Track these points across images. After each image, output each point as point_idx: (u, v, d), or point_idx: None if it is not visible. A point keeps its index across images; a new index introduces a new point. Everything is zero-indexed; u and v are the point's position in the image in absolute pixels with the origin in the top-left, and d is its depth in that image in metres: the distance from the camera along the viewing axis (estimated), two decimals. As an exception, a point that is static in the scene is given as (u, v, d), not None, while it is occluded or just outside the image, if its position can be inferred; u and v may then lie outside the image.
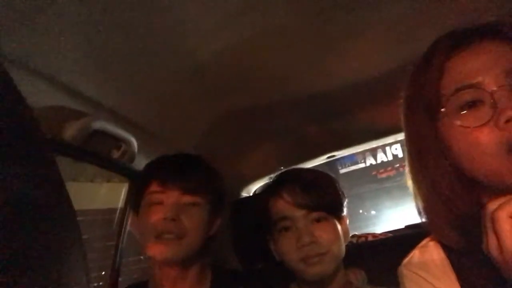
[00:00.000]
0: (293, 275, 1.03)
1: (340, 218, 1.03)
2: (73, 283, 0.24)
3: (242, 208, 1.50)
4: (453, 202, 0.62)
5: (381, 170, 4.67)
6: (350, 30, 0.86)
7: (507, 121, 0.54)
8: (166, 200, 0.97)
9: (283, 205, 1.00)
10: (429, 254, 0.68)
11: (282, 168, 1.17)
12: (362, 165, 4.57)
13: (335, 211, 1.02)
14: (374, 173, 4.72)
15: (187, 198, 0.98)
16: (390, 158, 4.47)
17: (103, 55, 0.79)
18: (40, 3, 0.64)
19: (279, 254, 1.02)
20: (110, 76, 0.87)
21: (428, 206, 0.67)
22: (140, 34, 0.75)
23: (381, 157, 4.55)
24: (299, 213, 0.98)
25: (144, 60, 0.84)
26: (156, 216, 0.95)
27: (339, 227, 1.01)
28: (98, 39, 0.74)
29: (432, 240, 0.69)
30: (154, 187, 0.99)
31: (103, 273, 1.84)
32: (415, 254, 0.70)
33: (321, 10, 0.79)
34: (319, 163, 1.57)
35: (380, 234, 1.44)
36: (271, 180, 1.12)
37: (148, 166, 1.06)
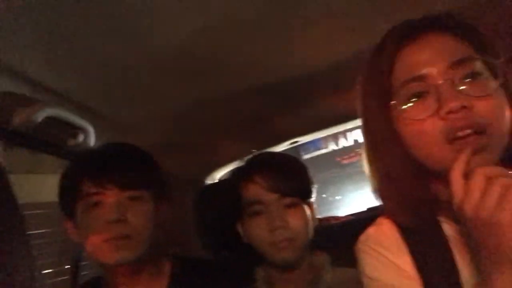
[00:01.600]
0: (260, 259, 1.04)
1: (309, 204, 1.05)
2: (16, 273, 0.23)
3: (209, 194, 1.49)
4: (405, 187, 0.66)
5: (345, 157, 4.79)
6: (310, 19, 0.86)
7: (449, 112, 0.58)
8: (105, 200, 0.87)
9: (256, 189, 1.00)
10: (384, 231, 0.72)
11: (251, 153, 1.16)
12: (324, 151, 4.66)
13: (305, 196, 1.04)
14: (338, 159, 4.84)
15: (129, 194, 0.88)
16: (352, 143, 4.59)
17: (54, 37, 0.74)
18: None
19: (249, 238, 1.03)
20: (63, 60, 0.82)
21: (382, 190, 0.71)
22: (100, 16, 0.71)
23: (343, 142, 4.66)
24: (271, 198, 0.99)
25: (103, 45, 0.80)
26: (98, 221, 0.85)
27: (308, 212, 1.03)
28: (49, 20, 0.69)
29: (386, 218, 0.73)
30: (87, 187, 0.87)
31: (66, 267, 1.77)
32: (371, 231, 0.74)
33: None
34: (283, 149, 1.59)
35: (342, 217, 1.48)
36: (242, 164, 1.12)
37: (75, 163, 0.93)
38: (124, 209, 0.87)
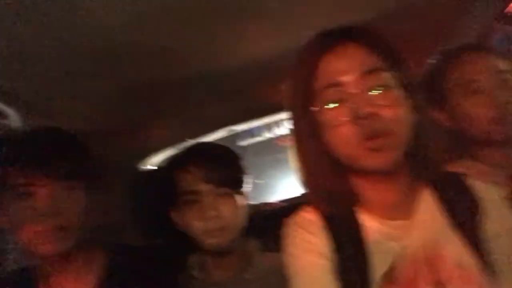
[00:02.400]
0: (193, 246, 1.06)
1: (242, 193, 1.09)
2: None
3: (143, 181, 1.47)
4: (324, 181, 0.75)
5: (283, 139, 4.90)
6: (246, 12, 0.88)
7: (360, 118, 0.66)
8: (36, 191, 0.83)
9: (190, 179, 1.02)
10: (307, 217, 0.79)
11: (186, 141, 1.17)
12: (260, 138, 4.76)
13: (239, 187, 1.08)
14: (276, 141, 4.95)
15: (62, 184, 0.85)
16: (287, 131, 4.72)
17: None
18: None
19: (183, 225, 1.05)
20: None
21: (305, 181, 0.78)
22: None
23: (278, 131, 4.78)
24: (205, 188, 1.01)
25: (25, 29, 0.75)
26: (30, 212, 0.82)
27: (241, 201, 1.07)
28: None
29: (311, 206, 0.80)
30: (15, 177, 0.82)
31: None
32: (296, 215, 0.81)
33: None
34: (220, 136, 1.61)
35: (275, 204, 1.55)
36: (177, 152, 1.13)
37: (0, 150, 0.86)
38: (57, 201, 0.84)
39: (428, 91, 1.06)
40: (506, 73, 0.99)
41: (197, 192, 1.02)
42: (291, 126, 0.79)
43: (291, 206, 0.87)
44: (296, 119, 0.77)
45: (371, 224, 0.73)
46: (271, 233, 1.03)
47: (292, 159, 0.80)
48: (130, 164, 1.59)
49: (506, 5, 1.11)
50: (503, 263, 0.68)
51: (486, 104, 0.97)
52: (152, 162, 1.64)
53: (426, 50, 1.15)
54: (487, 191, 0.74)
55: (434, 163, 0.75)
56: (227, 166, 1.06)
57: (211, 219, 1.00)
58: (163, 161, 1.57)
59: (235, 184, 1.07)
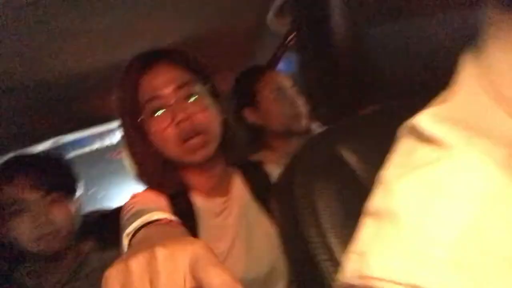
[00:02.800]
0: (20, 258, 1.06)
1: (73, 198, 1.12)
2: None
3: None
4: (157, 175, 0.89)
5: (114, 153, 4.77)
6: (73, 27, 0.96)
7: (178, 122, 0.82)
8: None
9: (18, 189, 1.01)
10: (154, 192, 0.89)
11: (11, 152, 1.13)
12: (89, 148, 4.54)
13: (69, 191, 1.11)
14: (107, 155, 4.77)
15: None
16: (118, 140, 4.64)
17: None
18: None
19: (12, 237, 1.03)
20: None
21: (141, 179, 0.91)
22: None
23: (109, 140, 4.65)
24: (35, 196, 1.01)
25: None
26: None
27: (73, 207, 1.11)
28: None
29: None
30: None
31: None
32: (143, 191, 0.91)
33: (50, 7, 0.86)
34: (46, 147, 1.57)
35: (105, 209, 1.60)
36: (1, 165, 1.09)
37: None
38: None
39: (240, 95, 1.39)
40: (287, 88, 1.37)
41: (25, 200, 1.01)
42: (122, 134, 0.90)
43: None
44: (126, 127, 0.89)
45: (200, 203, 0.90)
46: (108, 232, 1.11)
47: (128, 163, 0.92)
48: None
49: (287, 36, 1.47)
50: None
51: (287, 104, 1.34)
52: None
53: (230, 67, 1.43)
54: (276, 171, 0.99)
55: (240, 153, 0.98)
56: (54, 172, 1.08)
57: (42, 225, 1.01)
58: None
59: (65, 188, 1.09)
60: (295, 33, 0.57)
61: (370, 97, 0.51)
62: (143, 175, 0.90)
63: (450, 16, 0.47)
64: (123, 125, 0.89)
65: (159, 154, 0.87)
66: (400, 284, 0.26)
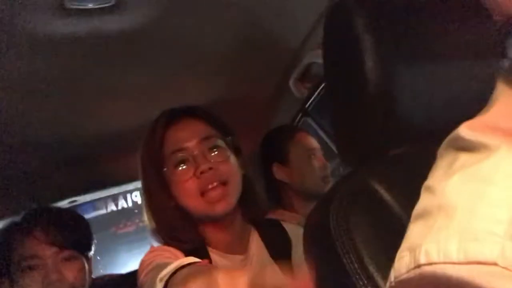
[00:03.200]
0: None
1: (87, 257, 1.09)
2: None
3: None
4: (176, 230, 0.87)
5: (121, 225, 4.71)
6: (104, 88, 0.98)
7: (201, 172, 0.83)
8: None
9: (33, 244, 0.99)
10: (170, 248, 0.85)
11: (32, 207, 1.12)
12: (102, 212, 4.49)
13: (84, 249, 1.08)
14: (113, 229, 4.72)
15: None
16: (131, 204, 4.59)
17: None
18: None
19: None
20: None
21: (160, 233, 0.89)
22: None
23: (121, 203, 4.61)
24: (50, 251, 0.99)
25: None
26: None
27: (86, 265, 1.07)
28: None
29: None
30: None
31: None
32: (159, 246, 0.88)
33: (82, 66, 0.90)
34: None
35: (115, 274, 1.52)
36: (18, 219, 1.07)
37: None
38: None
39: (271, 151, 1.38)
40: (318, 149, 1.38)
41: (39, 256, 0.99)
42: (143, 189, 0.91)
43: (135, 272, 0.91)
44: (149, 182, 0.89)
45: (217, 260, 0.87)
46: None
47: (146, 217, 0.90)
48: None
49: (307, 101, 1.49)
50: None
51: (319, 165, 1.33)
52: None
53: (252, 128, 1.43)
54: (294, 230, 0.97)
55: (259, 211, 0.97)
56: (71, 229, 1.06)
57: (54, 283, 0.98)
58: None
59: (80, 247, 1.07)
60: (324, 84, 0.59)
61: (400, 139, 0.52)
62: (161, 230, 0.89)
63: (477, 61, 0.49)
64: (145, 178, 0.90)
65: (179, 207, 0.87)
66: (460, 263, 0.27)
